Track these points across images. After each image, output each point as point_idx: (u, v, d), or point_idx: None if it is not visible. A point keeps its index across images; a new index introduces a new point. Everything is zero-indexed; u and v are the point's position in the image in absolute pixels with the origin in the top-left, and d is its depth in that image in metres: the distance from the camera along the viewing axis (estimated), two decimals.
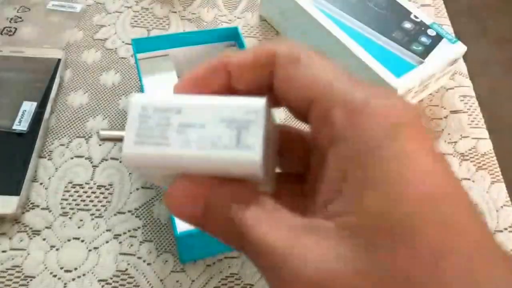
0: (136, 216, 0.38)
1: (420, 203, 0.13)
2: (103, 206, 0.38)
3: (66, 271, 0.35)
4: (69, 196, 0.38)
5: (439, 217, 0.13)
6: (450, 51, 0.44)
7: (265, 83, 0.18)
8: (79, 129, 0.42)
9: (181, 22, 0.52)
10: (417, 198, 0.13)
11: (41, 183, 0.39)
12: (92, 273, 0.35)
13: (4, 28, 0.49)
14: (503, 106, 1.42)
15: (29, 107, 0.41)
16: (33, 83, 0.43)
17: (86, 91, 0.45)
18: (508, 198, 0.42)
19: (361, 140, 0.14)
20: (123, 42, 0.49)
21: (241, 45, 0.43)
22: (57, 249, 0.36)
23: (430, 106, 0.47)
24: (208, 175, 0.16)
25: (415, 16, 0.46)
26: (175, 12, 0.53)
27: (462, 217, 0.14)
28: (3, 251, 0.35)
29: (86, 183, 0.39)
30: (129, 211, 0.38)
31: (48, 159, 0.40)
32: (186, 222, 0.17)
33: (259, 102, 0.16)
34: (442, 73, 0.45)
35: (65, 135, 0.42)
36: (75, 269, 0.35)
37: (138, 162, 0.16)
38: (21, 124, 0.40)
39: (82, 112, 0.43)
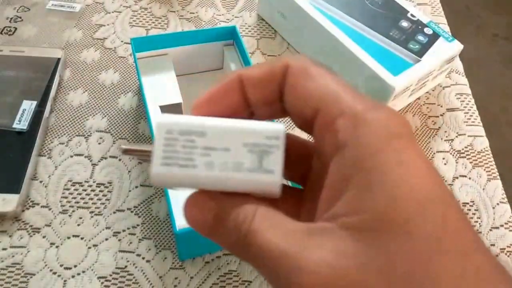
0: (135, 214, 0.38)
1: (418, 205, 0.14)
2: (103, 204, 0.38)
3: (66, 268, 0.35)
4: (69, 194, 0.39)
5: (434, 217, 0.14)
6: (447, 49, 0.44)
7: (277, 94, 0.19)
8: (78, 128, 0.43)
9: (180, 22, 0.52)
10: (415, 200, 0.15)
11: (41, 181, 0.39)
12: (92, 270, 0.35)
13: (4, 27, 0.49)
14: (499, 103, 1.43)
15: (29, 106, 0.42)
16: (33, 82, 0.44)
17: (86, 90, 0.45)
18: (504, 195, 0.42)
19: (363, 146, 0.16)
20: (122, 41, 0.50)
21: (239, 44, 0.43)
22: (57, 247, 0.36)
23: (427, 104, 0.48)
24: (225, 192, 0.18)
25: (412, 15, 0.47)
26: (173, 11, 0.53)
27: (454, 218, 0.15)
28: (3, 249, 0.36)
29: (85, 181, 0.39)
30: (128, 209, 0.38)
31: (48, 157, 0.40)
32: (200, 232, 0.18)
33: (280, 128, 0.18)
34: (439, 71, 0.46)
35: (64, 134, 0.42)
36: (75, 266, 0.35)
37: (166, 182, 0.18)
38: (21, 123, 0.41)
39: (81, 111, 0.44)
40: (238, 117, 0.18)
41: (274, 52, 0.51)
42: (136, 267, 0.36)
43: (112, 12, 0.52)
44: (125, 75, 0.47)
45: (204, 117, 0.18)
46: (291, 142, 0.20)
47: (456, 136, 0.46)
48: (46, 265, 0.35)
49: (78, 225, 0.37)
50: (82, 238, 0.37)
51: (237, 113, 0.19)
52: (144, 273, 0.35)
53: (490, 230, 0.40)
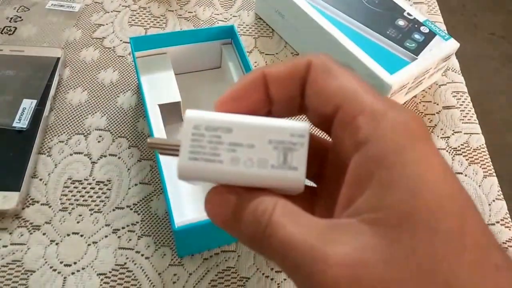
0: (134, 211, 0.38)
1: (438, 201, 0.15)
2: (102, 201, 0.39)
3: (66, 265, 0.35)
4: (69, 191, 0.39)
5: (454, 213, 0.15)
6: (443, 47, 0.45)
7: (298, 91, 0.19)
8: (78, 126, 0.43)
9: (178, 21, 0.53)
10: (436, 197, 0.15)
11: (40, 179, 0.39)
12: (91, 267, 0.35)
13: (4, 27, 0.50)
14: (495, 101, 1.43)
15: (29, 104, 0.42)
16: (33, 81, 0.44)
17: (85, 89, 0.46)
18: (500, 192, 0.42)
19: (386, 143, 0.16)
20: (121, 40, 0.50)
21: (237, 43, 0.44)
22: (56, 244, 0.36)
23: (423, 102, 0.48)
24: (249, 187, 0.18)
25: (408, 14, 0.47)
26: (172, 11, 0.54)
27: (471, 214, 0.15)
28: (4, 246, 0.36)
29: (85, 179, 0.40)
30: (127, 206, 0.39)
31: (48, 156, 0.41)
32: (220, 226, 0.18)
33: (305, 126, 0.18)
34: (435, 69, 0.46)
35: (64, 132, 0.42)
36: (75, 263, 0.36)
37: (192, 176, 0.18)
38: (21, 122, 0.41)
39: (80, 110, 0.44)
40: (258, 114, 0.19)
41: (272, 51, 0.51)
42: (135, 263, 0.36)
43: (111, 11, 0.52)
44: (124, 74, 0.47)
45: (229, 114, 0.18)
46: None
47: (452, 134, 0.46)
48: (46, 262, 0.35)
49: (78, 222, 0.37)
50: (81, 235, 0.37)
51: (257, 111, 0.20)
52: (143, 270, 0.36)
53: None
